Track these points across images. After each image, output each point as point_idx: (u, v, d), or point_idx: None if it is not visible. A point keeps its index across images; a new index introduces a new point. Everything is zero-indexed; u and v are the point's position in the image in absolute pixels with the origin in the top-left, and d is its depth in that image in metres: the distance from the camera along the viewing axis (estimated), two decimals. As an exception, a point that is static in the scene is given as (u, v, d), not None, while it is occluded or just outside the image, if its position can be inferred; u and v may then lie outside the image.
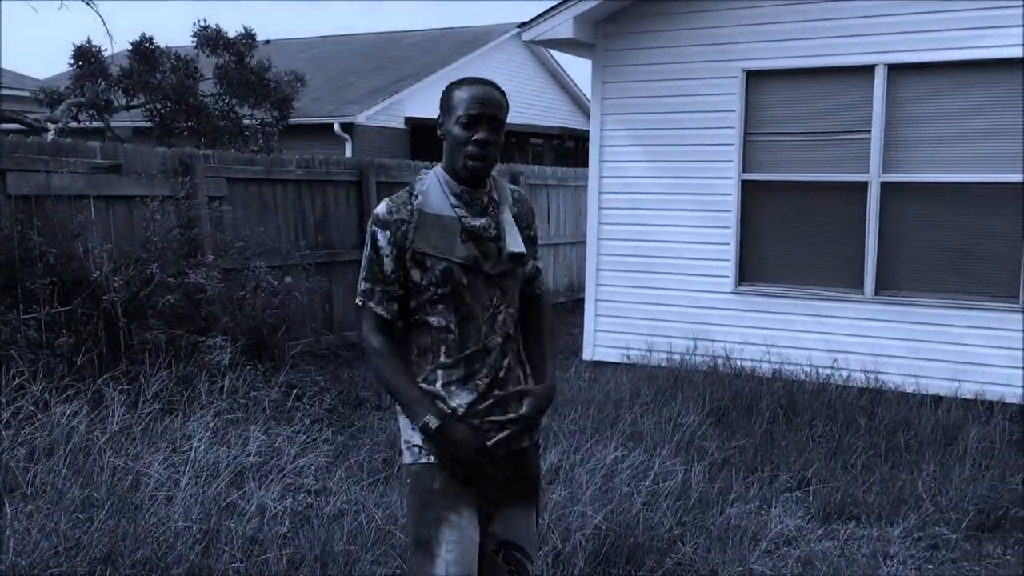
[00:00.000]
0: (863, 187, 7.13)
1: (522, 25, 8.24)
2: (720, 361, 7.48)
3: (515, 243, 2.61)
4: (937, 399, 6.62)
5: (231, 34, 13.21)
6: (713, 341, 7.66)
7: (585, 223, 8.65)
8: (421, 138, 17.86)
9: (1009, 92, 6.68)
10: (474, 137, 2.51)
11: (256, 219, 8.11)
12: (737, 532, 4.52)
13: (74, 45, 12.83)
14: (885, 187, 7.07)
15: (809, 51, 7.27)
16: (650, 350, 7.91)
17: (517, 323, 2.70)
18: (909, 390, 6.85)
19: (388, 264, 2.57)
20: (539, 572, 3.63)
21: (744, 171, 7.57)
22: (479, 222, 2.58)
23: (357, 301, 2.63)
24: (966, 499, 4.94)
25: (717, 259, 7.70)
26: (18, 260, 6.19)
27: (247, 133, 13.32)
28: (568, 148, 19.26)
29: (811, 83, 7.35)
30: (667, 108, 7.85)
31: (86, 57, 12.84)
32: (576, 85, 22.77)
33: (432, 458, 2.56)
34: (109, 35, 25.09)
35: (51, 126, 12.04)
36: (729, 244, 7.64)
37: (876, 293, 7.15)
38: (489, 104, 2.53)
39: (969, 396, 6.72)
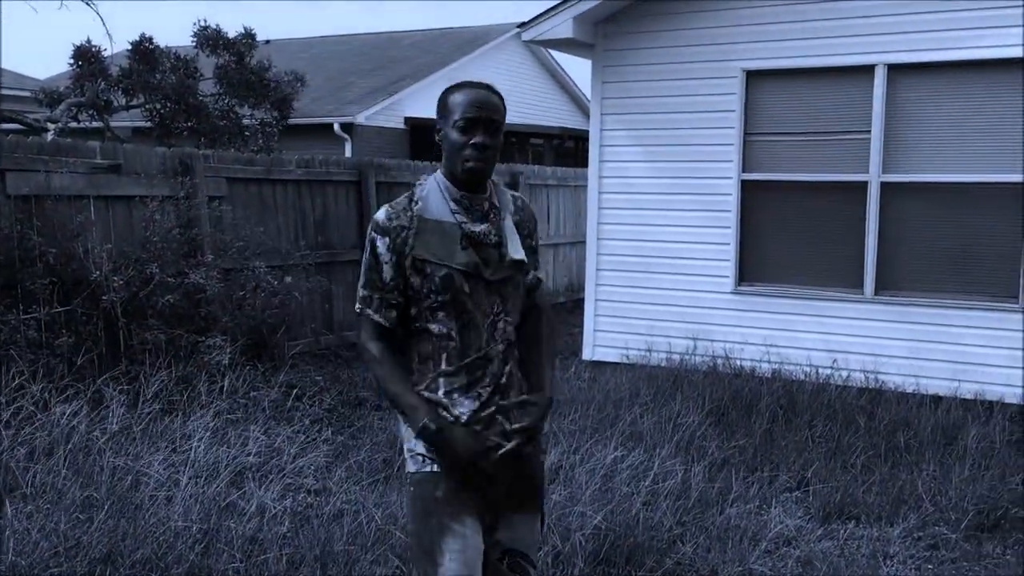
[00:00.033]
0: (863, 187, 7.13)
1: (522, 25, 8.24)
2: (720, 361, 7.48)
3: (516, 250, 2.60)
4: (937, 399, 6.62)
5: (231, 34, 13.21)
6: (713, 341, 7.66)
7: (585, 223, 8.65)
8: (420, 138, 17.86)
9: (1009, 92, 6.68)
10: (472, 141, 2.49)
11: (256, 219, 8.11)
12: (737, 532, 4.52)
13: (74, 45, 12.83)
14: (885, 187, 7.07)
15: (809, 51, 7.27)
16: (650, 350, 7.91)
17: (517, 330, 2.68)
18: (909, 390, 6.85)
19: (387, 271, 2.55)
20: (539, 572, 3.63)
21: (744, 171, 7.57)
22: (479, 228, 2.56)
23: (356, 308, 2.62)
24: (966, 499, 4.94)
25: (717, 259, 7.70)
26: (18, 260, 6.19)
27: (247, 133, 13.32)
28: (568, 148, 19.27)
29: (811, 83, 7.35)
30: (667, 108, 7.85)
31: (86, 57, 12.84)
32: (576, 85, 22.77)
33: (436, 467, 2.53)
34: (109, 35, 25.05)
35: (51, 126, 12.04)
36: (729, 244, 7.64)
37: (876, 293, 7.15)
38: (486, 107, 2.51)
39: (969, 396, 6.72)
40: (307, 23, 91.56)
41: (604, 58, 8.08)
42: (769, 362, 7.39)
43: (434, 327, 2.55)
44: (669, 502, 4.69)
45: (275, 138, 13.49)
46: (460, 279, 2.52)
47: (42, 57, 61.43)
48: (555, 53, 19.96)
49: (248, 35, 13.25)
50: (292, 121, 14.13)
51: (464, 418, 2.53)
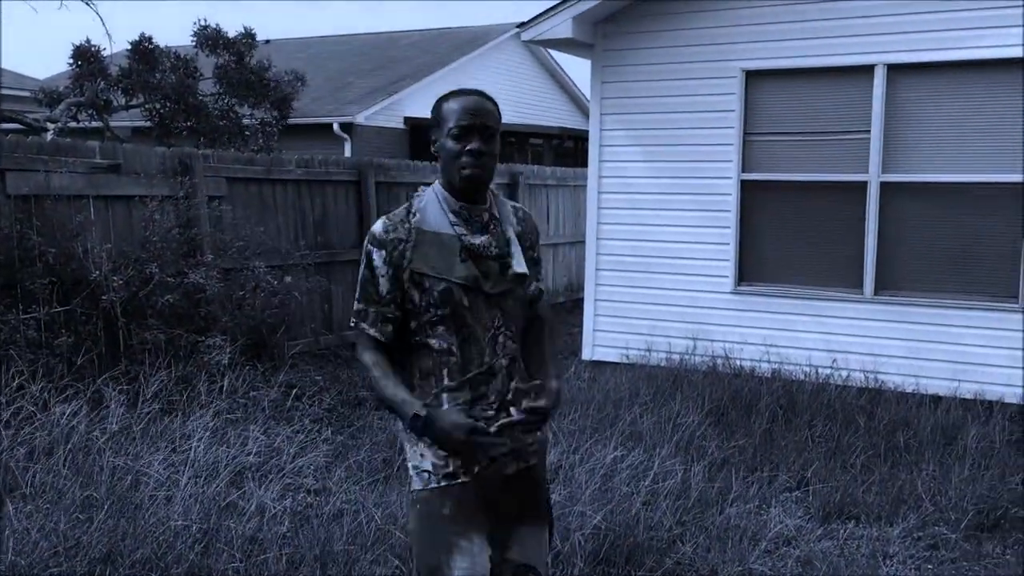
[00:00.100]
0: (862, 187, 7.13)
1: (521, 25, 8.24)
2: (719, 361, 7.48)
3: (519, 263, 2.55)
4: (937, 399, 6.62)
5: (231, 34, 13.22)
6: (712, 341, 7.66)
7: (584, 223, 8.65)
8: (420, 138, 17.87)
9: (1009, 92, 6.69)
10: (467, 148, 2.45)
11: (256, 219, 8.11)
12: (737, 532, 4.52)
13: (73, 45, 12.84)
14: (885, 187, 7.07)
15: (808, 51, 7.27)
16: (649, 350, 7.91)
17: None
18: (909, 390, 6.85)
19: (384, 284, 2.50)
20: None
21: (743, 171, 7.57)
22: (479, 240, 2.51)
23: (351, 322, 2.57)
24: (966, 499, 4.94)
25: (716, 259, 7.70)
26: (18, 260, 6.19)
27: (247, 133, 13.32)
28: (567, 148, 19.27)
29: (810, 83, 7.35)
30: (666, 108, 7.85)
31: (85, 57, 12.84)
32: (575, 85, 22.78)
33: (443, 482, 2.49)
34: (108, 35, 25.17)
35: (50, 126, 12.04)
36: (728, 244, 7.64)
37: (876, 293, 7.15)
38: (480, 114, 2.47)
39: (969, 396, 6.72)
40: (307, 23, 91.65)
41: (603, 58, 8.08)
42: (769, 362, 7.39)
43: (434, 342, 2.51)
44: (669, 502, 4.69)
45: (275, 138, 13.50)
46: (459, 293, 2.47)
47: (42, 57, 61.46)
48: (555, 53, 19.97)
49: (248, 35, 13.25)
50: (292, 121, 14.14)
51: None
